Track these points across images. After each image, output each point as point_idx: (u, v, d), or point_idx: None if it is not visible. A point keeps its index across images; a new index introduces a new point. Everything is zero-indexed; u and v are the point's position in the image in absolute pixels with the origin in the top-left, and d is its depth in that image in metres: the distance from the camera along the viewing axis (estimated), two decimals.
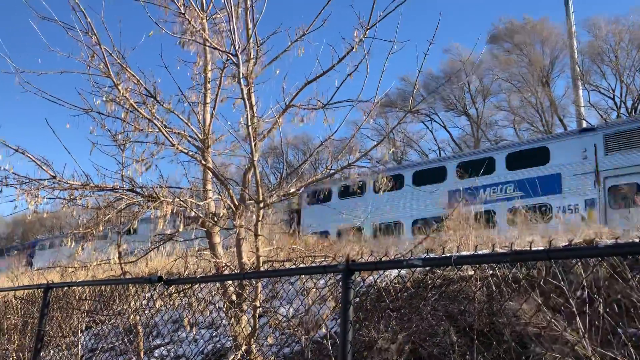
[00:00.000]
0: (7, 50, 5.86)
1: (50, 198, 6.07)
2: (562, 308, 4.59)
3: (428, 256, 3.34)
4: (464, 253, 3.56)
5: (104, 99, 6.07)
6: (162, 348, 7.60)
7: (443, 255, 2.98)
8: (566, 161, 15.72)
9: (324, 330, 5.36)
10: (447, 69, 39.44)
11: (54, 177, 5.74)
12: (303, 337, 5.14)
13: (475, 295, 5.87)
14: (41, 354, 5.59)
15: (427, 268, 6.70)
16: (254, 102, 5.25)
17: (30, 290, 7.16)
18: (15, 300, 7.22)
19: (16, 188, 5.95)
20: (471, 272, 6.59)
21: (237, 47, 4.96)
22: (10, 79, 5.81)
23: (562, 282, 4.39)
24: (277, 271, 3.37)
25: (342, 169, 5.99)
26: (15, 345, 7.29)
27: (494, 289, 5.89)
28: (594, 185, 14.97)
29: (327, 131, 5.93)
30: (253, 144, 5.07)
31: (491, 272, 6.02)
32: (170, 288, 4.67)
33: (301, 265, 5.59)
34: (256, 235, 5.08)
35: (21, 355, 7.14)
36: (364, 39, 5.30)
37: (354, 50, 5.56)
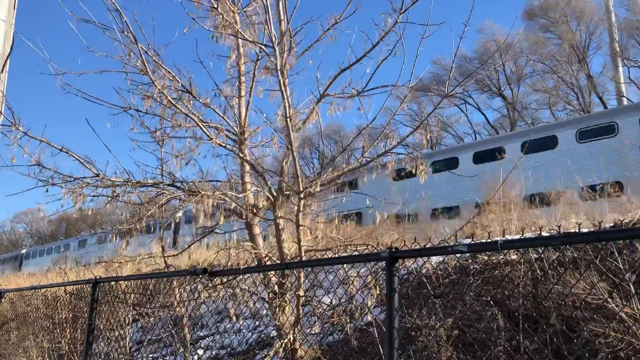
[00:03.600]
0: (47, 54, 6.00)
1: (93, 196, 6.21)
2: (617, 288, 4.46)
3: (473, 242, 3.28)
4: (509, 237, 3.48)
5: (142, 96, 6.17)
6: (208, 339, 7.75)
7: (489, 241, 2.91)
8: None
9: (369, 317, 5.36)
10: (480, 50, 38.71)
11: (97, 175, 5.86)
12: (347, 325, 5.14)
13: (521, 279, 5.76)
14: (93, 347, 5.76)
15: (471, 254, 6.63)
16: (289, 93, 5.26)
17: (79, 286, 7.35)
18: (65, 295, 7.43)
19: (62, 187, 6.11)
20: (514, 257, 6.47)
21: (272, 38, 4.96)
22: (52, 81, 5.93)
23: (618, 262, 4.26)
24: (320, 260, 3.37)
25: (379, 156, 5.95)
26: (68, 338, 7.50)
27: (539, 272, 5.77)
28: None
29: (361, 119, 5.89)
30: (291, 134, 5.08)
31: (536, 256, 5.89)
32: (215, 280, 4.73)
33: (343, 254, 5.60)
34: (297, 225, 5.09)
35: (72, 347, 7.34)
36: (398, 23, 5.23)
37: (387, 35, 5.50)
